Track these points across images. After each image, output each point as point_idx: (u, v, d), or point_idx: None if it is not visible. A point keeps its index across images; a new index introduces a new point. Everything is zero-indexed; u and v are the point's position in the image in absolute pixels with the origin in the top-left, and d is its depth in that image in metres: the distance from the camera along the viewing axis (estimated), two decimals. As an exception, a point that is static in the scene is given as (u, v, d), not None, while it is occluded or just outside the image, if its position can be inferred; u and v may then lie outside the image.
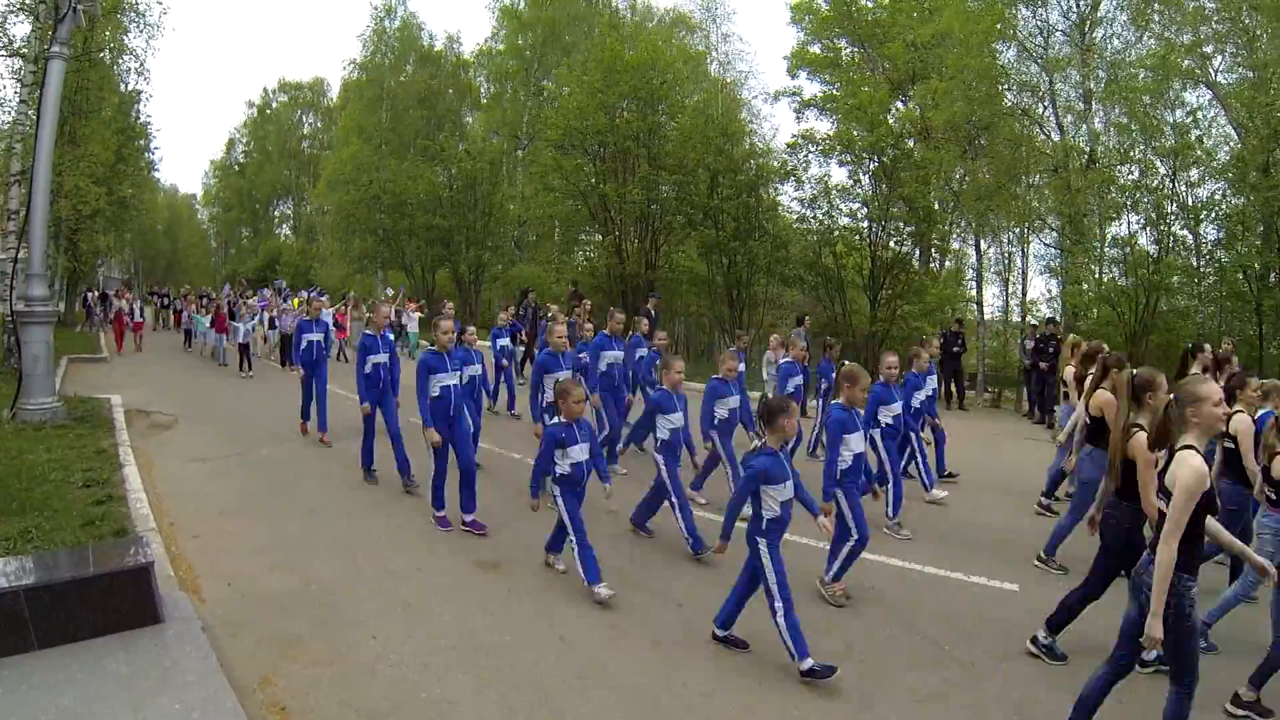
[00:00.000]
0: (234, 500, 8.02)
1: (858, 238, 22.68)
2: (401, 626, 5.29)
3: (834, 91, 25.31)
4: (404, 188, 30.87)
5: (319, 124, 57.32)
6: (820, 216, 22.82)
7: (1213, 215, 18.57)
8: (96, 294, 30.87)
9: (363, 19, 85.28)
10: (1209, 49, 18.72)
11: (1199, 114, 18.71)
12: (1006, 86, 20.97)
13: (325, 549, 6.67)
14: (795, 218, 23.80)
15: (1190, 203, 18.69)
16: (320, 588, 5.83)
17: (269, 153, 57.93)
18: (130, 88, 27.19)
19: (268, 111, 59.13)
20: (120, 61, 25.08)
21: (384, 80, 36.01)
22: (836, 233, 22.64)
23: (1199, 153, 18.15)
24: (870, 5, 27.00)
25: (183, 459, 9.61)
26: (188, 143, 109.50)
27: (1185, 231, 19.15)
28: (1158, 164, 18.87)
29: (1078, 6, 20.38)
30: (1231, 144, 18.63)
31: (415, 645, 5.03)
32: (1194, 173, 18.61)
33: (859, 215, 22.57)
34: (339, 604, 5.56)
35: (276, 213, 61.05)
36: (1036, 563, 7.06)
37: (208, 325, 21.71)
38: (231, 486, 8.54)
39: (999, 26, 20.16)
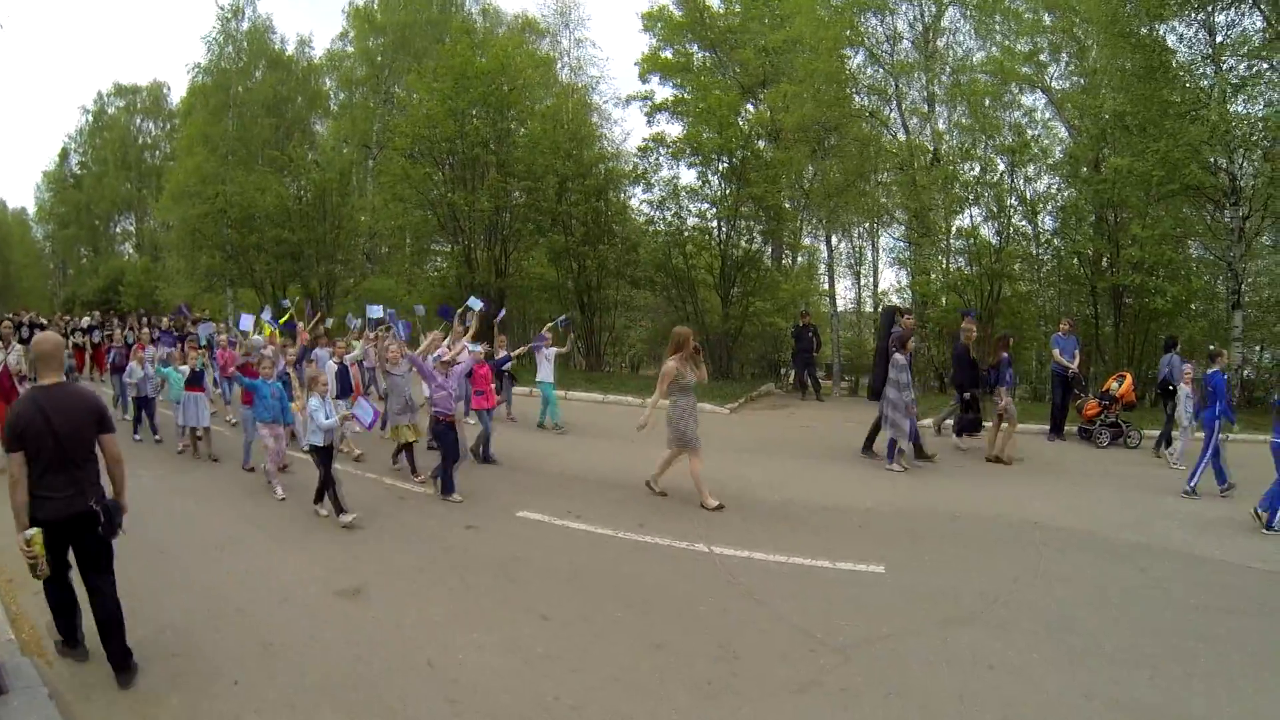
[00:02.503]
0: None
1: (707, 237, 23.37)
2: (264, 668, 5.19)
3: (685, 95, 25.77)
4: (251, 200, 29.42)
5: (160, 131, 53.96)
6: (669, 218, 23.29)
7: (1049, 207, 20.35)
8: None
9: (207, 19, 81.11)
10: (1044, 57, 20.53)
11: (1035, 114, 20.54)
12: (855, 89, 21.98)
13: (177, 592, 6.47)
14: (644, 220, 24.17)
15: (1028, 196, 20.45)
16: (175, 634, 5.66)
17: (107, 163, 53.89)
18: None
19: (104, 118, 55.28)
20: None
21: (230, 86, 34.28)
22: (686, 233, 23.14)
23: (1035, 150, 19.86)
24: (722, 11, 27.66)
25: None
26: (16, 151, 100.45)
27: (1024, 222, 20.81)
28: (998, 161, 20.44)
29: (923, 16, 21.68)
30: (1064, 143, 20.50)
31: (280, 687, 4.96)
32: (1031, 169, 20.36)
33: (708, 215, 23.22)
34: (196, 651, 5.42)
35: (118, 229, 57.05)
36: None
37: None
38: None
39: (848, 34, 21.09)
